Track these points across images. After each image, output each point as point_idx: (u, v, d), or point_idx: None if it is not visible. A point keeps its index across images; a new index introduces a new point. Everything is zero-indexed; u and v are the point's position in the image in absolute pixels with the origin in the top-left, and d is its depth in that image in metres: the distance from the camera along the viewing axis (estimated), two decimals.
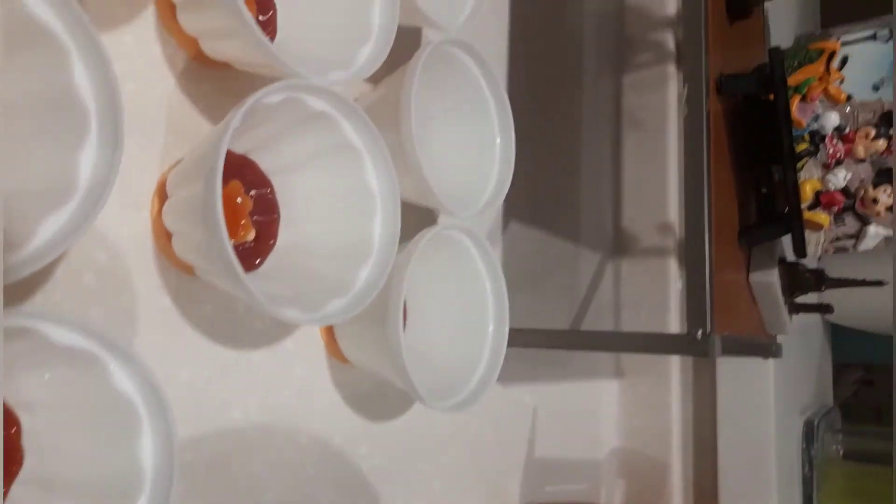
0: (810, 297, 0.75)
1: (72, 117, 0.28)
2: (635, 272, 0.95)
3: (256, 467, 0.48)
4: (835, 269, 0.78)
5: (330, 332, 0.53)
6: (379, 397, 0.58)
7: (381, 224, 0.45)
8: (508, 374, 0.75)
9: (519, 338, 0.60)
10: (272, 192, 0.46)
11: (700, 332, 0.50)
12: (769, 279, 0.61)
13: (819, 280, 0.63)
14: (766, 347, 0.68)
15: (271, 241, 0.46)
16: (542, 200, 0.83)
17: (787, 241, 0.61)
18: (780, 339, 0.77)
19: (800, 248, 0.56)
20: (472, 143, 0.58)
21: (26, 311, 0.29)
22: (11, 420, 0.35)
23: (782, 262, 0.63)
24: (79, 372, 0.32)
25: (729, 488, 0.89)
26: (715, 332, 0.51)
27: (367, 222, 0.45)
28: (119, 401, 0.32)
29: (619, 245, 0.97)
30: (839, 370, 1.61)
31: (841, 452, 1.15)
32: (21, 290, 0.35)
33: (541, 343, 0.60)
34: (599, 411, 0.94)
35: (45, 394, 0.34)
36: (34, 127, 0.29)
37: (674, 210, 0.94)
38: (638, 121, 0.97)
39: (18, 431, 0.35)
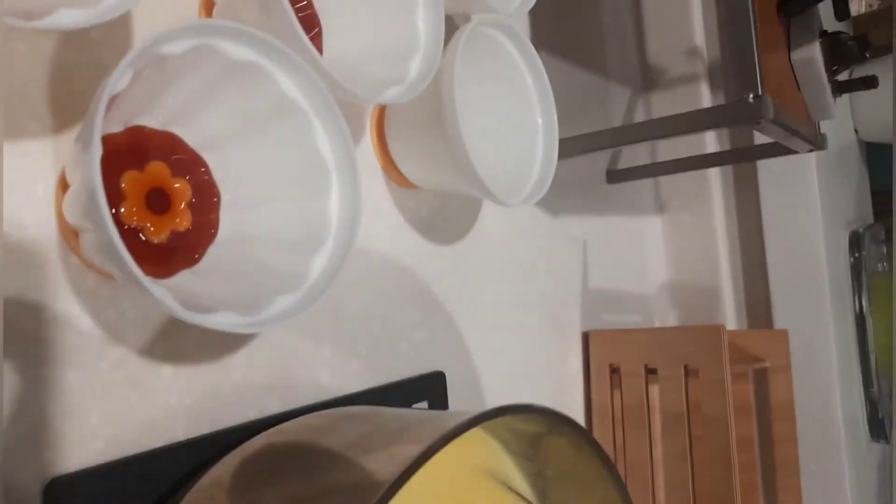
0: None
1: None
2: (666, 104, 0.94)
3: (338, 283, 0.50)
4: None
5: (385, 152, 0.54)
6: (440, 220, 0.60)
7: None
8: (555, 207, 0.76)
9: (566, 146, 0.60)
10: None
11: (751, 95, 0.50)
12: (811, 54, 0.60)
13: (863, 47, 0.62)
14: (811, 137, 0.67)
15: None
16: (567, 35, 0.82)
17: (826, 13, 0.60)
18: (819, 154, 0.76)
19: (842, 7, 0.55)
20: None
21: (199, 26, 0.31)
22: (198, 162, 0.38)
23: (823, 34, 0.62)
24: (250, 88, 0.35)
25: (782, 304, 0.91)
26: (766, 93, 0.51)
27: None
28: (290, 106, 0.36)
29: (648, 77, 0.95)
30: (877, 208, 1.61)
31: (887, 268, 1.16)
32: None
33: (591, 146, 0.61)
34: (645, 246, 0.95)
35: (223, 128, 0.37)
36: None
37: (699, 33, 0.92)
38: None
39: (208, 170, 0.38)
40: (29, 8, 0.28)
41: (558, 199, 0.77)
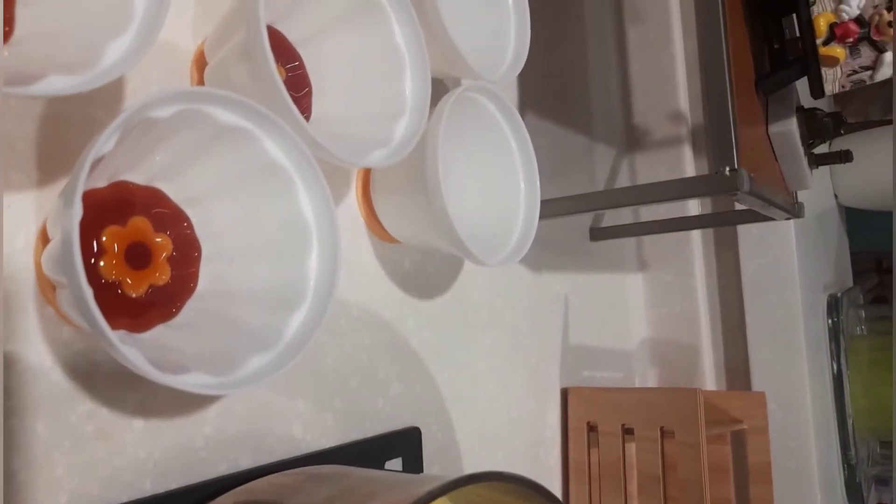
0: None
1: None
2: (650, 165, 0.97)
3: (318, 335, 0.50)
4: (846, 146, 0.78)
5: (369, 207, 0.55)
6: (420, 275, 0.60)
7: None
8: (538, 263, 0.77)
9: (550, 208, 0.62)
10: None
11: (728, 168, 0.52)
12: (788, 128, 0.62)
13: (838, 123, 0.64)
14: (789, 206, 0.69)
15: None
16: (554, 97, 0.84)
17: (803, 90, 0.62)
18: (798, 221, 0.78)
19: (817, 87, 0.57)
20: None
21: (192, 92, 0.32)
22: (181, 217, 0.39)
23: (800, 110, 0.64)
24: (236, 149, 0.36)
25: (760, 365, 0.91)
26: (741, 167, 0.52)
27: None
28: (274, 168, 0.38)
29: (632, 139, 0.98)
30: (857, 268, 1.63)
31: (865, 332, 1.17)
32: None
33: (573, 208, 0.62)
34: (627, 304, 0.96)
35: (207, 185, 0.38)
36: None
37: (683, 98, 0.95)
38: (639, 13, 0.98)
39: (190, 225, 0.39)
40: (22, 73, 0.28)
41: (541, 255, 0.78)
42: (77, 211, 0.27)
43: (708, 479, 0.62)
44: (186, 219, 0.40)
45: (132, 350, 0.29)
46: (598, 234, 0.88)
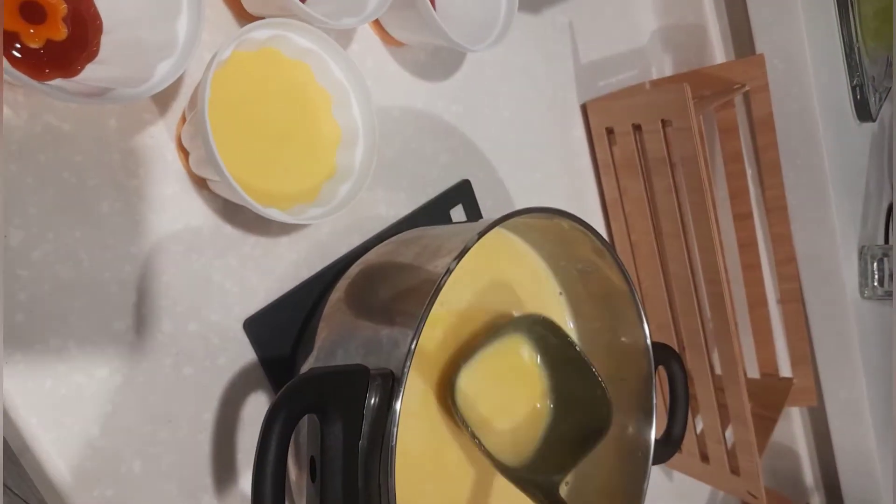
0: None
1: None
2: None
3: (377, 126, 0.66)
4: None
5: (381, 29, 0.67)
6: (436, 62, 0.74)
7: None
8: (537, 2, 0.87)
9: None
10: None
11: None
12: None
13: None
14: None
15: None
16: None
17: None
18: None
19: None
20: None
21: None
22: None
23: None
24: None
25: (761, 28, 1.00)
26: None
27: None
28: None
29: None
30: None
31: None
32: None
33: None
34: (633, 4, 1.03)
35: None
36: None
37: None
38: None
39: None
40: (99, 87, 0.43)
41: None
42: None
43: (702, 153, 0.79)
44: None
45: (246, 196, 0.48)
46: None
